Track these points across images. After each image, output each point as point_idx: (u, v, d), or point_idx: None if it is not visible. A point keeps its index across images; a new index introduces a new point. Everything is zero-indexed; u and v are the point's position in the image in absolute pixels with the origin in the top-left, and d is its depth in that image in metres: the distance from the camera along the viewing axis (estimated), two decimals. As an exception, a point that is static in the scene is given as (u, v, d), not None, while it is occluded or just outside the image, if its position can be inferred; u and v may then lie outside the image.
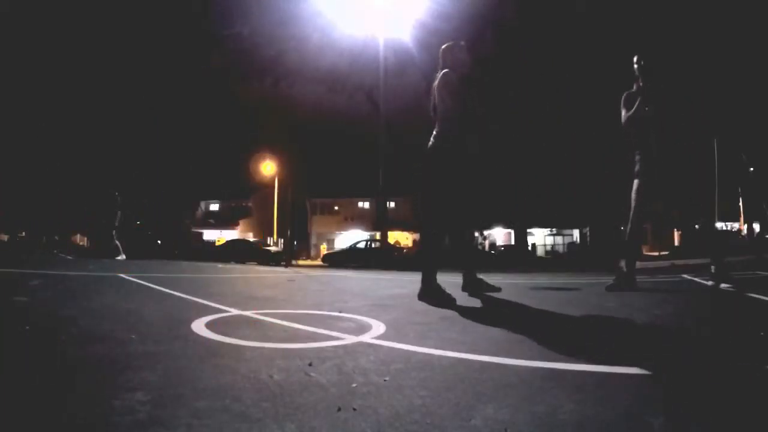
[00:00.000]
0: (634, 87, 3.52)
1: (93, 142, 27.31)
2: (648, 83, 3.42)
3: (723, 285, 3.30)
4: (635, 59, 3.50)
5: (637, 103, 3.42)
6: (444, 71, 3.13)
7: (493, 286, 3.44)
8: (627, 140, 3.58)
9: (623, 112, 3.52)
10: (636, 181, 3.51)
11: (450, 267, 3.89)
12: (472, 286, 3.38)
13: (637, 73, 3.48)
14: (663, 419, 0.92)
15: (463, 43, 3.30)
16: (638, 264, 3.67)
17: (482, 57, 18.85)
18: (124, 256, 9.69)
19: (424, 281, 2.95)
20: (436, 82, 3.13)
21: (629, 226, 3.53)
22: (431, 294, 2.88)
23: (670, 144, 3.41)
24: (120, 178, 28.81)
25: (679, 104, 3.47)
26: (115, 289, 3.51)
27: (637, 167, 3.52)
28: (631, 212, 3.52)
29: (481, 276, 3.54)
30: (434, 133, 3.13)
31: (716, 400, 1.07)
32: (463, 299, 3.04)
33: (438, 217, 3.10)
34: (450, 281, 3.37)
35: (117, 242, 10.12)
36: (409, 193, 26.16)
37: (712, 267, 3.46)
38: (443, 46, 3.28)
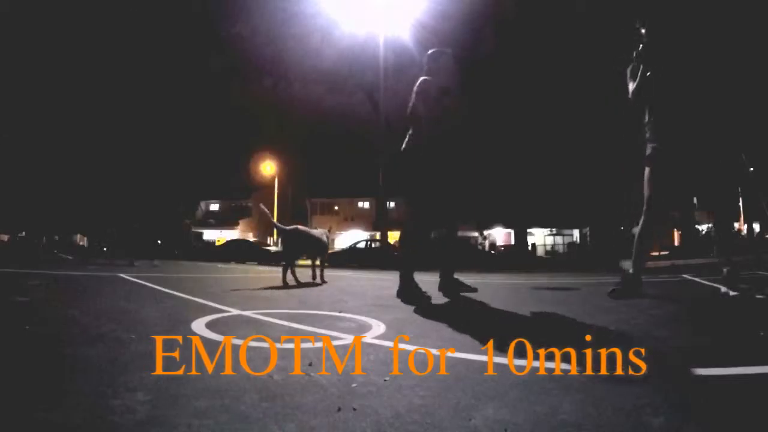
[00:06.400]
0: (638, 57, 3.11)
1: (93, 141, 27.30)
2: (652, 45, 2.98)
3: (732, 292, 2.97)
4: (638, 24, 3.09)
5: (639, 73, 3.00)
6: (423, 78, 3.17)
7: (470, 286, 3.47)
8: (636, 118, 3.16)
9: (630, 86, 3.10)
10: (647, 169, 3.06)
11: (431, 267, 3.95)
12: (449, 286, 3.41)
13: (640, 39, 3.07)
14: (663, 419, 0.92)
15: (449, 50, 3.31)
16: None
17: (481, 57, 18.86)
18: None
19: (402, 279, 3.07)
20: (415, 87, 3.17)
21: (641, 222, 3.06)
22: (408, 292, 2.99)
23: (684, 122, 2.92)
24: (120, 178, 28.84)
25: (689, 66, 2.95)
26: (115, 289, 3.52)
27: (648, 151, 3.06)
28: (644, 206, 3.05)
29: (476, 276, 3.57)
30: (407, 136, 3.20)
31: (715, 401, 1.07)
32: (443, 299, 3.08)
33: (415, 215, 3.18)
34: (427, 280, 3.42)
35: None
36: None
37: (725, 269, 3.12)
38: (429, 52, 3.30)
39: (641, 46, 3.03)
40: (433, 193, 3.11)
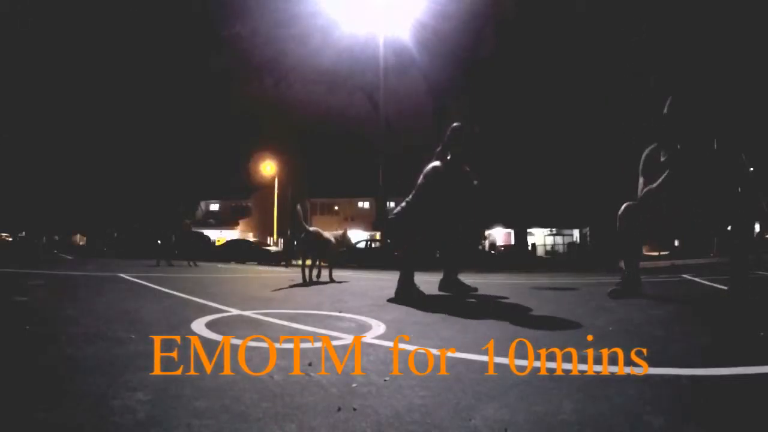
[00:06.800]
0: (659, 146, 2.88)
1: (94, 142, 27.30)
2: (680, 144, 2.74)
3: (740, 291, 2.78)
4: (668, 104, 2.80)
5: (662, 178, 2.77)
6: (434, 166, 3.27)
7: (470, 286, 3.47)
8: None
9: (641, 180, 2.91)
10: (641, 179, 2.95)
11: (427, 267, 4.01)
12: (450, 286, 3.42)
13: (664, 122, 2.81)
14: (663, 419, 0.92)
15: (462, 127, 3.40)
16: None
17: (481, 57, 18.86)
18: None
19: (402, 279, 3.12)
20: (427, 168, 3.29)
21: (620, 228, 2.97)
22: (408, 293, 3.04)
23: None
24: (120, 178, 28.85)
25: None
26: (115, 289, 3.52)
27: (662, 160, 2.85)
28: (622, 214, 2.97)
29: (477, 276, 3.60)
30: (404, 203, 3.35)
31: (715, 401, 1.06)
32: (443, 299, 3.10)
33: (420, 220, 3.29)
34: (427, 280, 3.42)
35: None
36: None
37: (732, 269, 2.89)
38: (453, 125, 3.40)
39: (665, 133, 2.82)
40: (437, 212, 3.25)
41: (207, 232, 36.06)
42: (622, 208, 2.99)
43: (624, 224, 2.96)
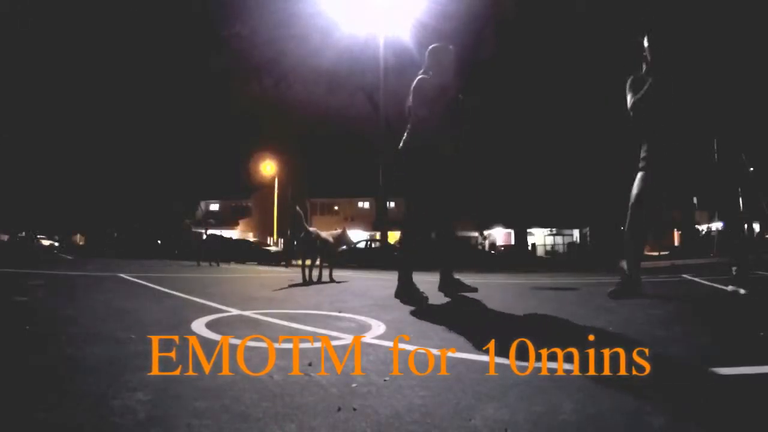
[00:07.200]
0: (643, 68, 3.10)
1: (94, 142, 27.31)
2: (658, 62, 2.98)
3: (742, 290, 2.89)
4: (645, 37, 3.08)
5: (646, 86, 2.97)
6: (420, 77, 3.16)
7: (470, 286, 3.45)
8: (633, 129, 3.15)
9: (629, 97, 3.09)
10: (641, 173, 3.09)
11: (429, 267, 3.96)
12: (449, 286, 3.39)
13: (645, 53, 3.07)
14: (663, 419, 0.92)
15: (451, 47, 3.30)
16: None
17: (482, 57, 18.85)
18: None
19: (401, 280, 3.06)
20: (413, 84, 3.15)
21: (628, 220, 3.05)
22: (407, 293, 2.98)
23: (683, 133, 2.96)
24: (120, 178, 28.85)
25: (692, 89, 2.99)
26: (115, 289, 3.51)
27: (643, 155, 3.09)
28: (630, 203, 3.06)
29: (476, 276, 3.56)
30: (406, 132, 3.21)
31: (715, 401, 1.06)
32: (443, 299, 3.08)
33: (415, 216, 3.18)
34: (427, 280, 3.42)
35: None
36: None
37: (733, 269, 3.06)
38: (431, 47, 3.30)
39: (647, 57, 3.01)
40: (430, 190, 3.11)
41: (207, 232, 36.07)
42: (628, 222, 3.05)
43: (632, 228, 3.04)
